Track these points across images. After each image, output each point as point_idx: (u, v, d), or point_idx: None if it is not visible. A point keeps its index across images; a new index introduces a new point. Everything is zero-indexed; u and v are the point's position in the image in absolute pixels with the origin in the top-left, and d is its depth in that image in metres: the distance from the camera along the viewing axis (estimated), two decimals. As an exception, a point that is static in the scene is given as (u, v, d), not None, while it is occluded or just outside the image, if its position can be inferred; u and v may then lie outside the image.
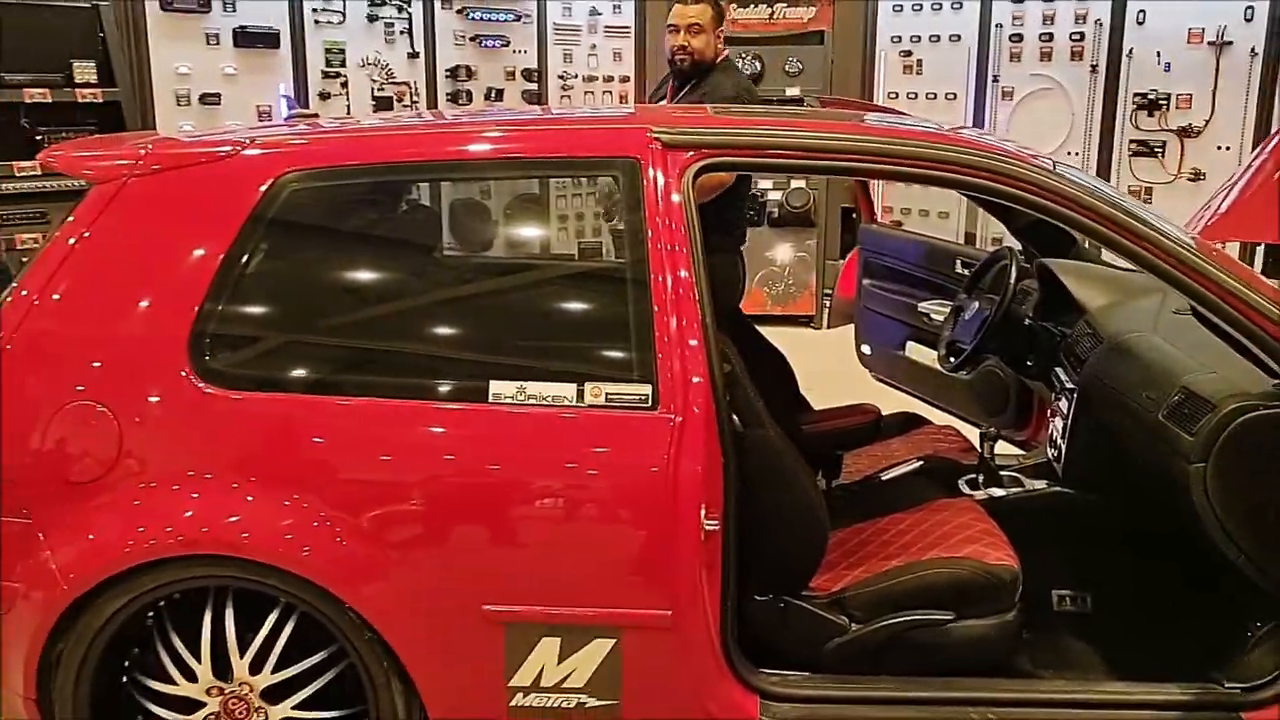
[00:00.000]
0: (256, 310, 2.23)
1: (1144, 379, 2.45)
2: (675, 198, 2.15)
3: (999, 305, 3.01)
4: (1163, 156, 6.23)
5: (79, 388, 2.12)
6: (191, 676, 2.19)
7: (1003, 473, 2.99)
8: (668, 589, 2.09)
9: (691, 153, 2.20)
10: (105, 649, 2.17)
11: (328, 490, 2.09)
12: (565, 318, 2.32)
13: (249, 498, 2.10)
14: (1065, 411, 2.83)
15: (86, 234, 2.20)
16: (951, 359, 3.21)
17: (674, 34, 4.16)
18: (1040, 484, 2.97)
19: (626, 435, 2.08)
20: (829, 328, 7.04)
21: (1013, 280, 3.01)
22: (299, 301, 2.28)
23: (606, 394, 2.09)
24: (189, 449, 2.13)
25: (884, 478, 2.98)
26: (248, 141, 2.26)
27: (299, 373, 2.19)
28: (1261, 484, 2.15)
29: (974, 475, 2.96)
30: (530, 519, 2.10)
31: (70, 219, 2.26)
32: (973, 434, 3.43)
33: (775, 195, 7.25)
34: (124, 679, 2.25)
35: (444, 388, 2.14)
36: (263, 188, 2.18)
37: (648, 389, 2.08)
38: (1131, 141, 6.33)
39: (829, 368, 4.26)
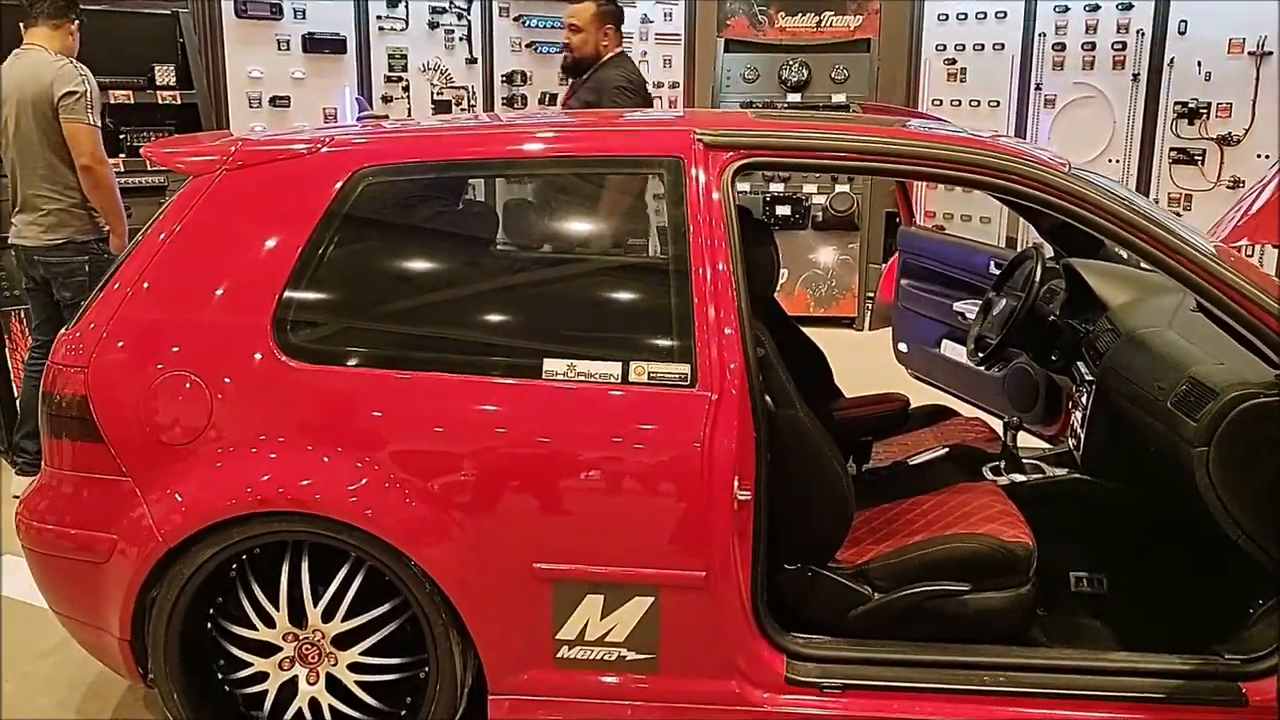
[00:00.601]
0: (333, 293, 2.45)
1: (1156, 370, 2.60)
2: (715, 195, 2.35)
3: (1024, 302, 3.16)
4: (1203, 164, 6.30)
5: (173, 362, 2.36)
6: (270, 623, 2.42)
7: (1025, 460, 3.15)
8: (702, 552, 2.28)
9: (731, 153, 2.39)
10: (194, 597, 2.40)
11: (397, 456, 2.31)
12: (614, 304, 2.51)
13: (325, 460, 2.32)
14: (1085, 403, 2.99)
15: (177, 226, 2.44)
16: (979, 353, 3.36)
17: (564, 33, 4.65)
18: (1061, 471, 3.13)
19: (667, 411, 2.28)
20: (870, 329, 7.18)
21: (1037, 278, 3.16)
22: (371, 285, 2.51)
23: (650, 372, 2.29)
24: (272, 417, 2.36)
25: (911, 463, 3.15)
26: (326, 140, 2.49)
27: (370, 349, 2.40)
28: (1260, 467, 2.29)
29: (997, 462, 3.12)
30: (577, 485, 2.29)
31: (165, 211, 2.51)
32: (999, 426, 3.58)
33: (820, 199, 7.40)
34: (209, 625, 2.47)
35: (502, 365, 2.35)
36: (339, 183, 2.40)
37: (687, 368, 2.27)
38: (1172, 149, 6.40)
39: (869, 368, 4.41)
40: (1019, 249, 3.64)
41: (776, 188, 7.45)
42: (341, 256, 2.44)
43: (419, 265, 2.56)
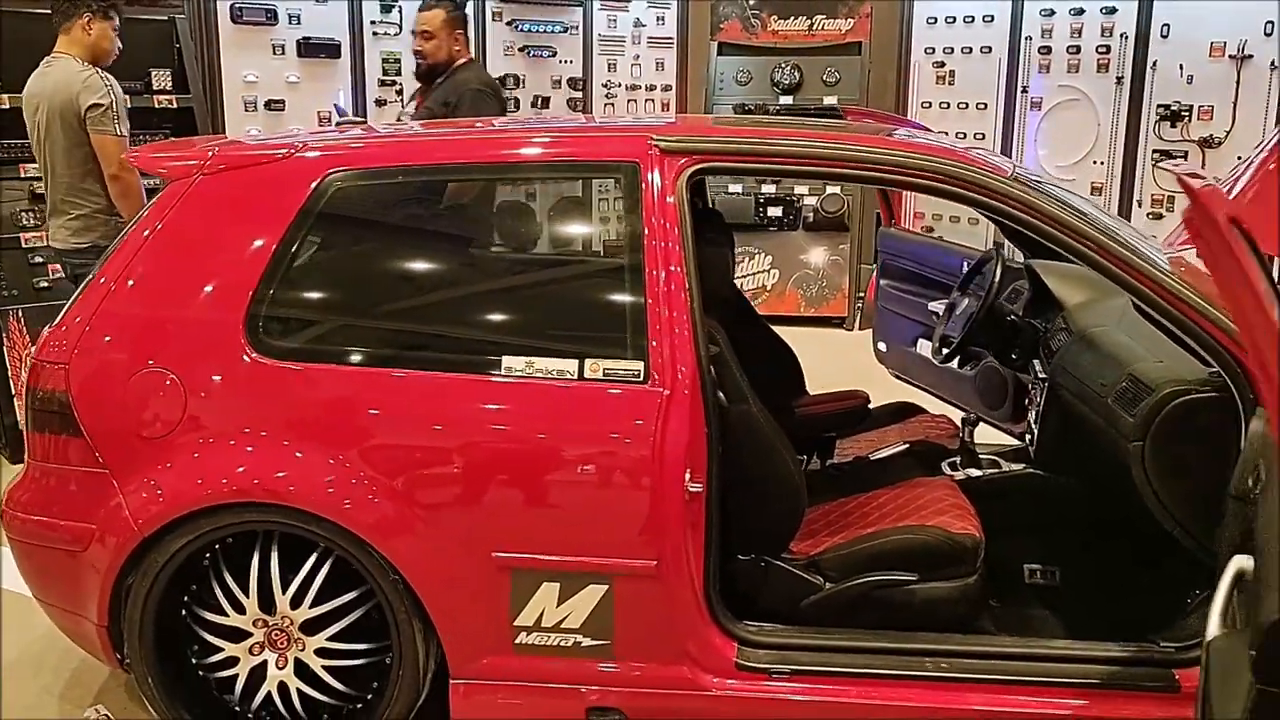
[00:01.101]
0: (303, 292, 2.56)
1: (1100, 368, 2.69)
2: (670, 199, 2.44)
3: (984, 302, 3.25)
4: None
5: (150, 358, 2.46)
6: (240, 609, 2.52)
7: (982, 456, 3.23)
8: (654, 542, 2.37)
9: (686, 158, 2.48)
10: (168, 584, 2.50)
11: (362, 450, 2.41)
12: (571, 304, 2.61)
13: (294, 454, 2.42)
14: (1039, 400, 3.07)
15: (159, 225, 2.54)
16: (943, 351, 3.45)
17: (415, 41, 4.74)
18: (1018, 466, 3.22)
19: (621, 406, 2.37)
20: (860, 330, 7.27)
21: (996, 279, 3.24)
22: (339, 285, 2.62)
23: (604, 369, 2.38)
24: (243, 412, 2.46)
25: (872, 458, 3.24)
26: (301, 145, 2.59)
27: (338, 347, 2.50)
28: (1192, 461, 2.38)
29: (955, 458, 3.21)
30: (533, 477, 2.39)
31: (146, 212, 2.62)
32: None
33: (811, 201, 7.48)
34: (184, 612, 2.57)
35: (463, 362, 2.45)
36: (310, 187, 2.50)
37: (640, 365, 2.37)
38: (1155, 152, 6.48)
39: (858, 367, 4.51)
40: (1005, 250, 3.72)
41: (769, 189, 7.54)
42: (311, 258, 2.54)
43: (385, 266, 2.65)
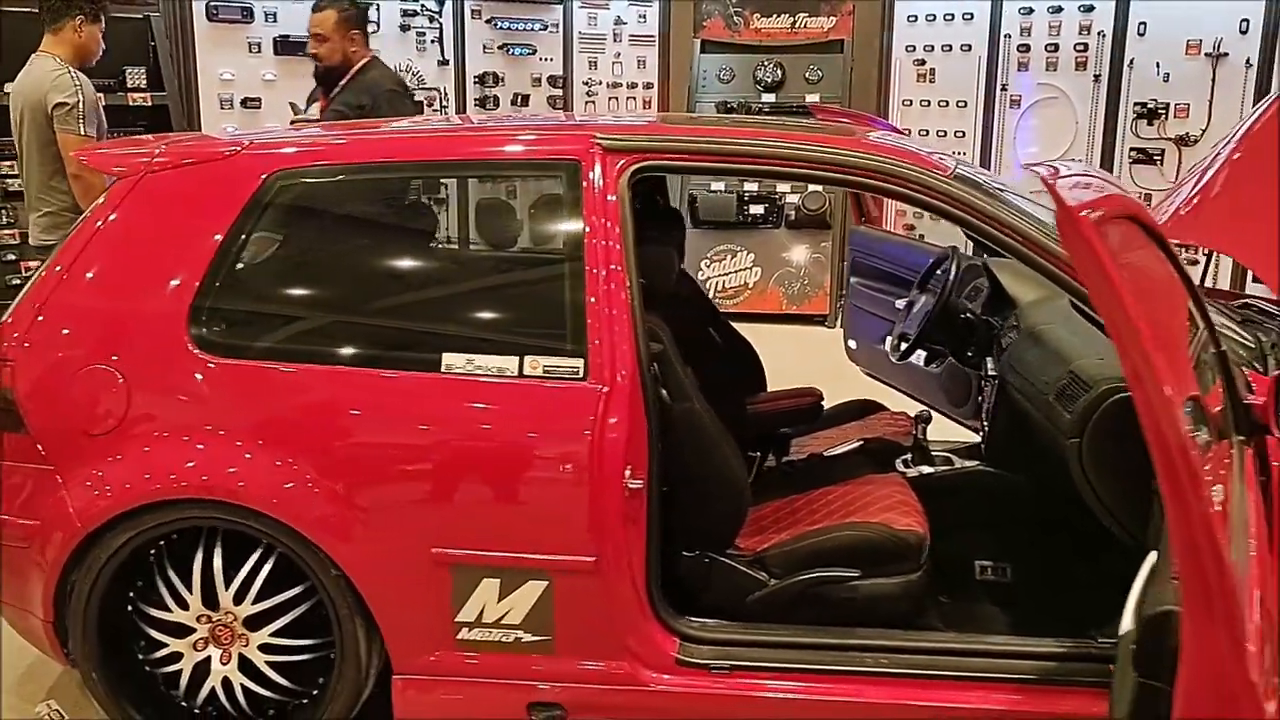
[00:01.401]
0: (247, 290, 2.57)
1: (1044, 365, 2.70)
2: (611, 197, 2.45)
3: (939, 299, 3.26)
4: (1161, 164, 6.39)
5: (93, 355, 2.47)
6: (184, 605, 2.53)
7: (936, 453, 3.24)
8: (593, 539, 2.38)
9: (629, 156, 2.49)
10: (112, 580, 2.51)
11: (303, 446, 2.42)
12: (512, 301, 2.62)
13: (235, 451, 2.43)
14: (989, 397, 3.08)
15: (103, 223, 2.55)
16: (901, 347, 3.46)
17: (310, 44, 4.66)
18: (972, 463, 3.23)
19: (560, 403, 2.38)
20: (841, 327, 7.27)
21: (951, 277, 3.26)
22: (281, 283, 2.63)
23: (544, 366, 2.39)
24: (186, 409, 2.47)
25: (826, 455, 3.25)
26: (248, 143, 2.60)
27: (281, 344, 2.51)
28: (1127, 457, 2.38)
29: (909, 455, 3.22)
30: (473, 474, 2.40)
31: (91, 210, 2.63)
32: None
33: (793, 199, 7.49)
34: (129, 608, 2.59)
35: (404, 359, 2.46)
36: (254, 185, 2.51)
37: (580, 363, 2.38)
38: (1132, 149, 6.49)
39: (839, 365, 4.50)
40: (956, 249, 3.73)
41: (751, 187, 7.55)
42: (256, 255, 2.55)
43: (329, 264, 2.66)
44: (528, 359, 2.40)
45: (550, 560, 2.41)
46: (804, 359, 5.13)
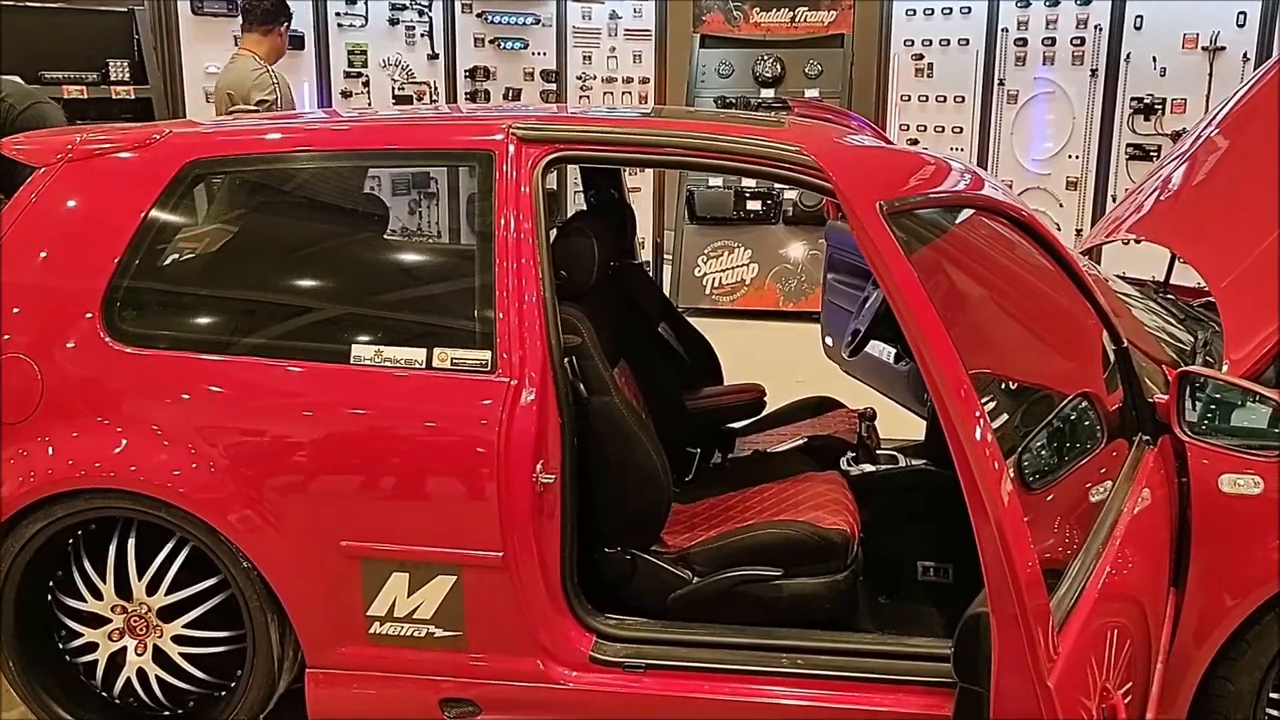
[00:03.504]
0: (158, 279, 2.55)
1: (978, 362, 2.63)
2: (525, 189, 2.42)
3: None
4: (1158, 160, 6.27)
5: (6, 344, 2.47)
6: (99, 595, 2.52)
7: (881, 451, 3.18)
8: (501, 534, 2.34)
9: (542, 147, 2.46)
10: (26, 569, 2.51)
11: (211, 436, 2.40)
12: (422, 293, 2.59)
13: (143, 440, 2.42)
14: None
15: (19, 213, 2.55)
16: (850, 343, 3.40)
17: None
18: (919, 462, 3.17)
19: (467, 396, 2.35)
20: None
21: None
22: (196, 273, 2.62)
23: (452, 359, 2.37)
24: (96, 398, 2.46)
25: (769, 452, 3.20)
26: (161, 133, 2.59)
27: (192, 335, 2.50)
28: None
29: (853, 453, 3.16)
30: (380, 466, 2.38)
31: (10, 201, 2.63)
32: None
33: (790, 194, 7.43)
34: (49, 596, 2.59)
35: (313, 350, 2.44)
36: (169, 175, 2.50)
37: (488, 355, 2.35)
38: (1128, 145, 6.39)
39: (832, 363, 4.45)
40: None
41: (748, 183, 7.50)
42: (168, 245, 2.54)
43: (240, 254, 2.65)
44: (436, 351, 2.37)
45: (458, 555, 2.38)
46: (798, 356, 5.06)
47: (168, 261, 2.55)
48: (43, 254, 2.53)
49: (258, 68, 4.80)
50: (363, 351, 2.39)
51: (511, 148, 2.44)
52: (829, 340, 4.55)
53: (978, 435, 1.36)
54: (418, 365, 2.37)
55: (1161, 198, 3.50)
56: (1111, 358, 2.25)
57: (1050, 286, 2.19)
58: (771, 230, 7.55)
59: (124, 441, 2.43)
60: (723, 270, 7.60)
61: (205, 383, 2.44)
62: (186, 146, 2.57)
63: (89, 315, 2.45)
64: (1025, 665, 1.21)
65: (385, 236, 2.91)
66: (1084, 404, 1.97)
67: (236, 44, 6.00)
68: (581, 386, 2.48)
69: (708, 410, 3.41)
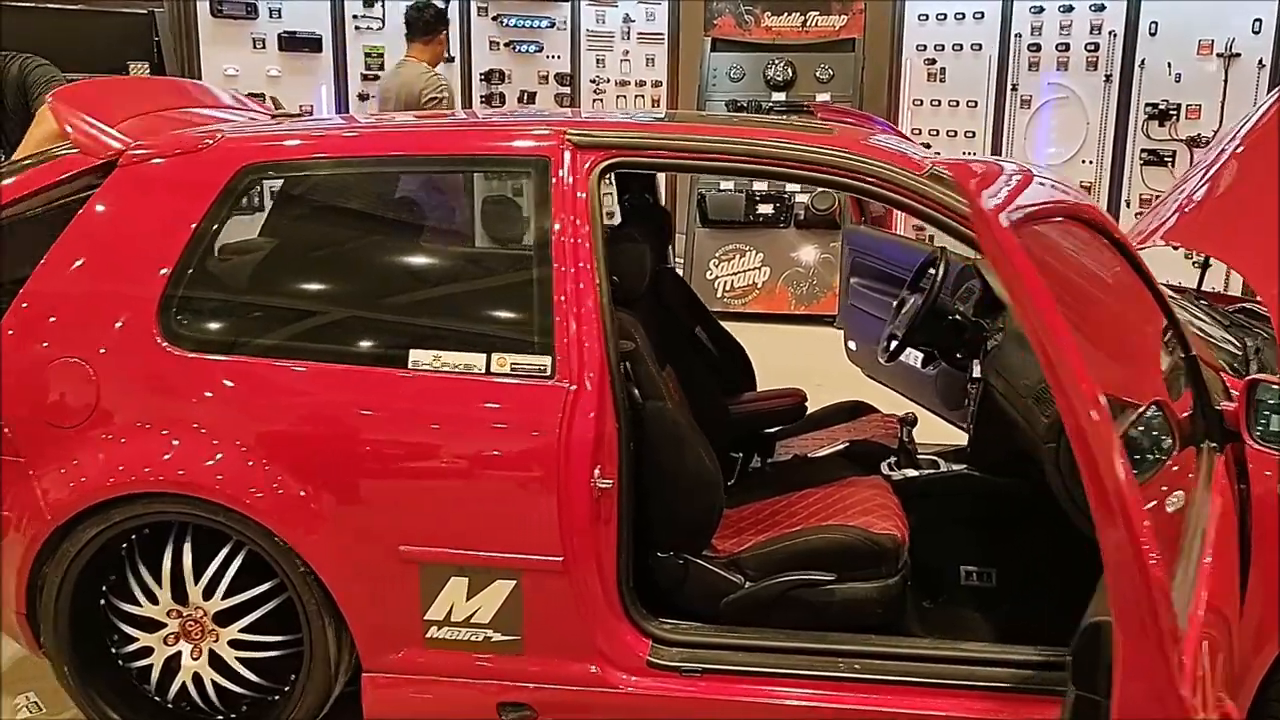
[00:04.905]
0: (216, 283, 2.56)
1: (1024, 368, 2.65)
2: (581, 194, 2.43)
3: (925, 300, 3.22)
4: (1173, 166, 6.31)
5: (63, 347, 2.47)
6: (155, 600, 2.52)
7: (922, 456, 3.20)
8: (561, 538, 2.35)
9: (599, 153, 2.47)
10: (82, 573, 2.51)
11: (270, 441, 2.41)
12: (481, 298, 2.60)
13: (203, 445, 2.42)
14: (974, 400, 3.04)
15: (78, 216, 2.55)
16: (887, 349, 3.42)
17: None
18: (959, 467, 3.19)
19: (527, 401, 2.36)
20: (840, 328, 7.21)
21: (938, 278, 3.21)
22: (253, 277, 2.62)
23: (511, 364, 2.37)
24: (154, 403, 2.46)
25: (809, 457, 3.22)
26: (216, 136, 2.59)
27: (250, 339, 2.49)
28: None
29: (894, 458, 3.18)
30: (440, 471, 2.38)
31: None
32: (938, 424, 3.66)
33: (802, 198, 7.44)
34: (102, 601, 2.58)
35: (372, 355, 2.45)
36: (224, 179, 2.50)
37: (547, 361, 2.36)
38: (1143, 151, 6.42)
39: (846, 366, 4.46)
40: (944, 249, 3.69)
41: (760, 186, 7.51)
42: (221, 250, 2.55)
43: (297, 259, 2.65)
44: (495, 356, 2.38)
45: (518, 559, 2.39)
46: (812, 360, 5.08)
47: (223, 266, 2.56)
48: (99, 258, 2.52)
49: (426, 71, 5.32)
50: (421, 356, 2.40)
51: (567, 154, 2.46)
52: (852, 345, 4.57)
53: (1112, 443, 1.37)
54: (477, 370, 2.38)
55: (1197, 203, 3.53)
56: (1169, 363, 2.27)
57: (1127, 292, 2.21)
58: (783, 233, 7.56)
59: (182, 446, 2.43)
60: (734, 273, 7.61)
61: (263, 387, 2.44)
62: (240, 152, 2.57)
63: (145, 320, 2.45)
64: (1153, 674, 1.22)
65: (441, 241, 2.92)
66: (1160, 412, 1.99)
67: (255, 46, 6.05)
68: (636, 391, 2.50)
69: (750, 415, 3.42)
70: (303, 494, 2.39)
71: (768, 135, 2.59)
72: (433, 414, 2.40)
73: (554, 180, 2.43)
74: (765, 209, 7.53)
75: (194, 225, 2.49)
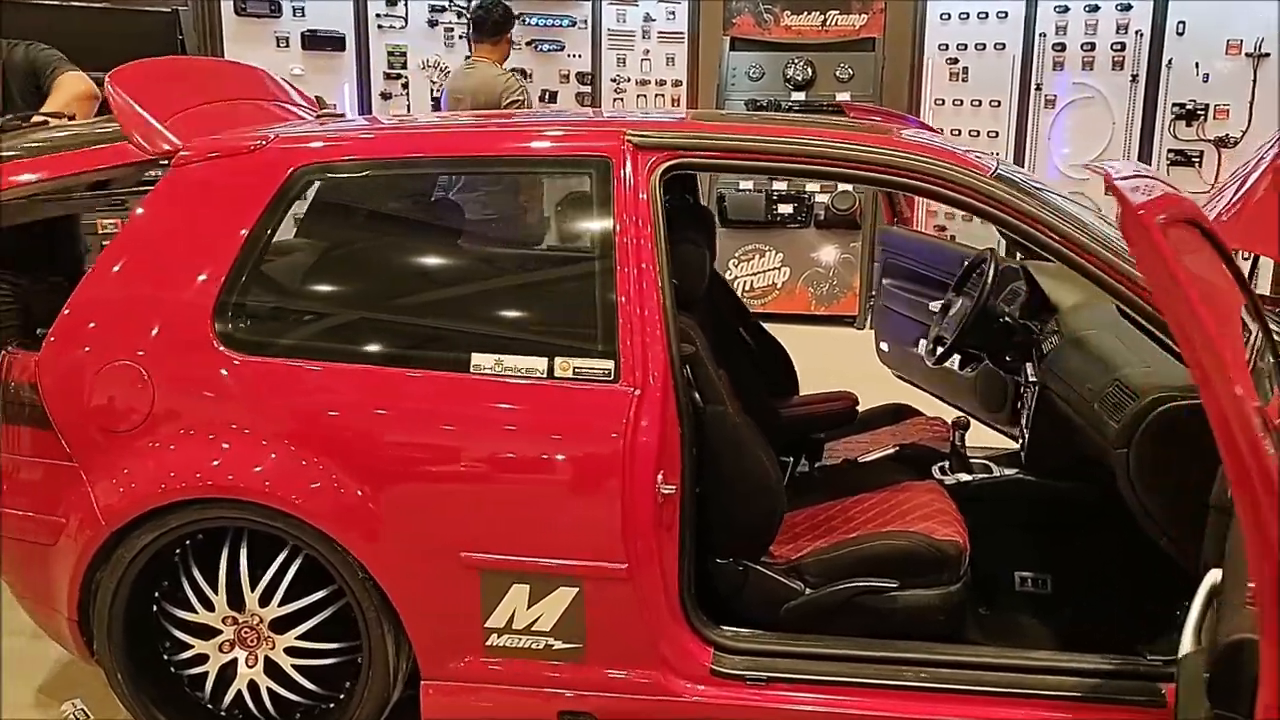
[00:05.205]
0: (273, 286, 2.52)
1: (1088, 372, 2.62)
2: (643, 195, 2.39)
3: (976, 302, 3.18)
4: (1200, 166, 6.28)
5: (118, 350, 2.43)
6: (210, 606, 2.49)
7: (974, 460, 3.17)
8: (625, 545, 2.32)
9: (660, 154, 2.43)
10: (136, 579, 2.48)
11: (329, 446, 2.37)
12: (542, 301, 2.56)
13: (260, 449, 2.38)
14: (1029, 403, 3.01)
15: (131, 218, 2.52)
16: (936, 351, 3.38)
17: None
18: (1011, 471, 3.15)
19: (590, 405, 2.32)
20: (871, 329, 7.18)
21: (989, 280, 3.18)
22: (310, 280, 2.58)
23: (574, 368, 2.34)
24: (211, 406, 2.43)
25: (860, 461, 3.18)
26: (270, 137, 2.55)
27: (306, 341, 2.47)
28: (1177, 470, 2.31)
29: (945, 461, 3.14)
30: (502, 477, 2.35)
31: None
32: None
33: (822, 198, 7.41)
34: (154, 607, 2.55)
35: (432, 359, 2.41)
36: (279, 180, 2.47)
37: (610, 364, 2.32)
38: (1170, 151, 6.38)
39: (867, 367, 4.42)
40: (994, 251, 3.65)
41: (780, 186, 7.47)
42: (282, 250, 2.51)
43: (355, 260, 2.62)
44: (558, 360, 2.35)
45: (580, 566, 2.36)
46: (832, 360, 5.04)
47: (280, 268, 2.52)
48: (152, 262, 2.49)
49: (501, 73, 5.34)
50: (482, 360, 2.36)
51: (628, 154, 2.42)
52: (884, 346, 4.54)
53: (1267, 454, 1.34)
54: (539, 374, 2.35)
55: (1245, 204, 3.49)
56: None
57: (1234, 295, 2.18)
58: (802, 234, 7.52)
59: (240, 451, 2.40)
60: (754, 274, 7.58)
61: (321, 391, 2.41)
62: (293, 153, 2.53)
63: (203, 322, 2.41)
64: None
65: (500, 243, 2.88)
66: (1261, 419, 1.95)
67: (278, 45, 6.01)
68: (697, 395, 2.46)
69: (801, 419, 3.39)
70: (363, 500, 2.35)
71: (828, 136, 2.56)
72: (495, 419, 2.36)
73: (615, 181, 2.40)
74: (785, 209, 7.49)
75: (248, 228, 2.46)
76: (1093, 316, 2.91)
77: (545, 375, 2.34)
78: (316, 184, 2.50)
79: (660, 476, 2.30)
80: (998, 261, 3.28)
